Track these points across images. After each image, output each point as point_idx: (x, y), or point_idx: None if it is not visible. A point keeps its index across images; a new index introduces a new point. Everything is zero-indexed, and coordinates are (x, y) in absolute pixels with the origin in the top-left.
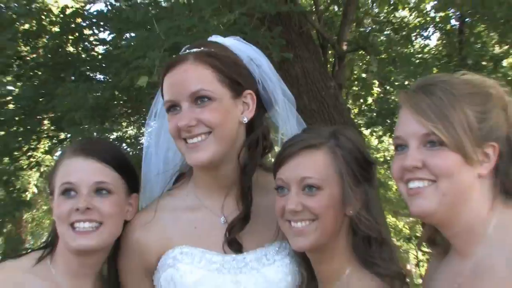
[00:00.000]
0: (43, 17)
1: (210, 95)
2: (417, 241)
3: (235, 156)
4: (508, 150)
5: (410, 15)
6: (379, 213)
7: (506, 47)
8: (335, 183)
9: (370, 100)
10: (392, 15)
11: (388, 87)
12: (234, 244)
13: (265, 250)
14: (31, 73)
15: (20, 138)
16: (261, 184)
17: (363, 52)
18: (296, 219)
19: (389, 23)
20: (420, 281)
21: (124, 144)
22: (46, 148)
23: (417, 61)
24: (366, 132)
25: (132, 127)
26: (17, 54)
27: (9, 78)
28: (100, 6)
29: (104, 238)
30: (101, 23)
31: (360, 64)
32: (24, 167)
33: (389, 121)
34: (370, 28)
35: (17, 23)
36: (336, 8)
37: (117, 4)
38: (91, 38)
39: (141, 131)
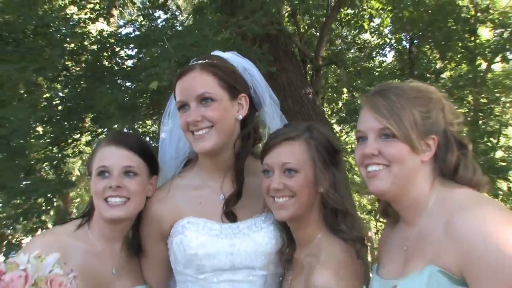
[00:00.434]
0: (85, 37)
1: (213, 97)
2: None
3: (231, 145)
4: (445, 142)
5: (372, 37)
6: (346, 191)
7: (446, 62)
8: (309, 167)
9: (340, 103)
10: (358, 37)
11: (354, 93)
12: (230, 215)
13: (254, 220)
14: (75, 82)
15: (66, 132)
16: (251, 168)
17: (335, 66)
18: (278, 196)
19: (355, 44)
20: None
21: (147, 138)
22: (87, 140)
23: (377, 73)
24: (337, 128)
25: (153, 124)
26: (65, 66)
27: (58, 86)
28: (128, 29)
29: (131, 210)
30: (129, 43)
31: (333, 75)
32: (70, 155)
33: (355, 120)
34: (340, 47)
35: (65, 43)
36: (313, 31)
37: (141, 22)
38: (122, 54)
39: (160, 128)
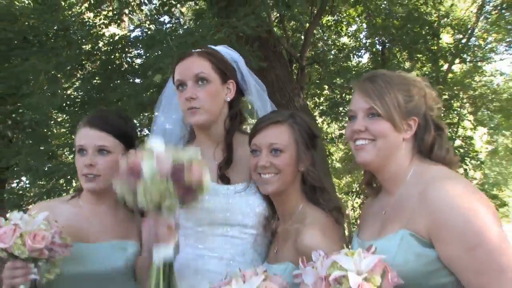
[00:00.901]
0: (99, 39)
1: (207, 77)
2: (356, 189)
3: (222, 122)
4: (424, 124)
5: (349, 40)
6: (325, 174)
7: (413, 63)
8: (292, 148)
9: (322, 98)
10: (337, 40)
11: (334, 89)
12: (224, 178)
13: (249, 184)
14: (90, 78)
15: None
16: (238, 140)
17: (317, 65)
18: (264, 172)
19: (335, 46)
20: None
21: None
22: None
23: (354, 72)
24: (319, 120)
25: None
26: (81, 65)
27: (75, 81)
28: (137, 33)
29: (100, 185)
30: (137, 44)
31: (316, 73)
32: None
33: (335, 113)
34: (322, 49)
35: (82, 45)
36: (299, 34)
37: (149, 26)
38: (131, 54)
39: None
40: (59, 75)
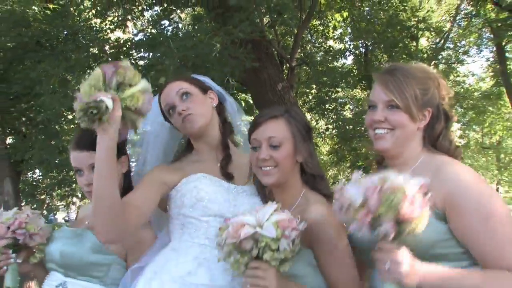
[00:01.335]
0: (105, 43)
1: (189, 91)
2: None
3: (216, 127)
4: (437, 114)
5: (335, 43)
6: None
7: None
8: (290, 141)
9: (310, 96)
10: (324, 43)
11: (321, 88)
12: (227, 176)
13: (253, 186)
14: None
15: None
16: (233, 151)
17: (306, 66)
18: (265, 165)
19: (322, 48)
20: None
21: None
22: None
23: (339, 72)
24: (308, 116)
25: None
26: (88, 66)
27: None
28: (140, 37)
29: None
30: (140, 46)
31: (304, 73)
32: None
33: (323, 110)
34: (310, 51)
35: (90, 48)
36: (289, 38)
37: (151, 30)
38: (135, 56)
39: None
40: (69, 77)
